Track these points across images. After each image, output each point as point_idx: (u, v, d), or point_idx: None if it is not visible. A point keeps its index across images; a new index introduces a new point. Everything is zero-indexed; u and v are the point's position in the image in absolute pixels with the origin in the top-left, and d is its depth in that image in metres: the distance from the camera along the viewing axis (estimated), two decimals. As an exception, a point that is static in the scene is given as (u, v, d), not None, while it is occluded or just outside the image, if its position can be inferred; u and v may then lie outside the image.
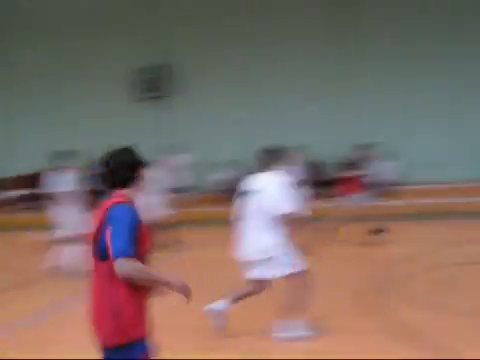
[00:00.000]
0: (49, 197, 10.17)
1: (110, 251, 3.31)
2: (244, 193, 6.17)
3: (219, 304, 6.22)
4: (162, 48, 20.67)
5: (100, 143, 8.21)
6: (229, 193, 8.31)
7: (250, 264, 6.07)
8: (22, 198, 19.45)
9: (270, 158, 6.26)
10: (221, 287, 7.33)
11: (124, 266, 3.26)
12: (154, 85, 20.48)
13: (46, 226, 10.30)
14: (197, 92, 20.24)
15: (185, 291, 3.52)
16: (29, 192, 18.66)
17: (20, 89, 21.96)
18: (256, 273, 6.08)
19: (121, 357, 3.41)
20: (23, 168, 19.92)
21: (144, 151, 3.85)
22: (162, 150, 13.87)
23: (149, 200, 9.94)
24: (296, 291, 6.06)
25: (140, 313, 3.46)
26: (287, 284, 6.11)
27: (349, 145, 13.07)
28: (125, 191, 3.56)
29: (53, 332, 7.01)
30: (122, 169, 3.55)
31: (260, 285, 6.18)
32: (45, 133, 21.34)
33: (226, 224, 7.05)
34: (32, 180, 17.06)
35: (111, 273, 3.34)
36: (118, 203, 3.46)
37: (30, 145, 21.32)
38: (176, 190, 13.18)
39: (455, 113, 18.41)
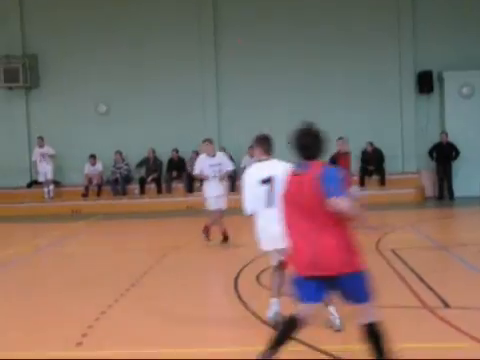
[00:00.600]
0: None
1: (333, 197, 4.26)
2: (266, 180, 6.06)
3: (271, 308, 6.18)
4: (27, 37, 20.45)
5: None
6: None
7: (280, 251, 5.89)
8: None
9: (270, 145, 6.33)
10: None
11: (345, 203, 4.25)
12: (17, 74, 19.97)
13: None
14: (62, 82, 20.24)
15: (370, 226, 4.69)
16: None
17: None
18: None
19: (355, 281, 4.36)
20: None
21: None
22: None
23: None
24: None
25: (356, 245, 4.44)
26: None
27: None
28: (319, 161, 4.54)
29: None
30: (322, 143, 4.56)
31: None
32: None
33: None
34: None
35: (335, 217, 4.31)
36: (327, 166, 4.53)
37: None
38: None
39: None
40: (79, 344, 5.95)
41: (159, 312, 7.12)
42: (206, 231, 11.57)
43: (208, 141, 11.69)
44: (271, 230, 5.87)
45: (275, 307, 6.22)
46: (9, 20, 20.24)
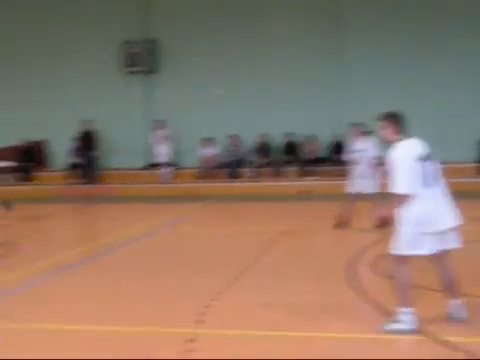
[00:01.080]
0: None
1: None
2: (423, 158, 5.62)
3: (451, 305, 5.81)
4: (148, 22, 20.79)
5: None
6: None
7: (446, 233, 5.60)
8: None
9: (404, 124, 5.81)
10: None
11: None
12: (139, 59, 20.54)
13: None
14: (181, 67, 20.45)
15: None
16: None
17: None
18: (452, 241, 5.67)
19: None
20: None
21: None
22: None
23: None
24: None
25: None
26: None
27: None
28: None
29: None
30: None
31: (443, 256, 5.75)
32: (33, 104, 21.58)
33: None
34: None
35: None
36: None
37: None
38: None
39: None
40: (199, 322, 6.07)
41: (273, 296, 7.09)
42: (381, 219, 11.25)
43: (357, 125, 11.80)
44: (434, 210, 5.55)
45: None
46: (130, 6, 20.93)
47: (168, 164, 19.99)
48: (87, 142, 20.06)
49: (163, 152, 19.97)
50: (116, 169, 20.55)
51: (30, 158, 20.85)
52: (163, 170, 19.94)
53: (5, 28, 21.53)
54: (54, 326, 6.06)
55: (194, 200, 17.47)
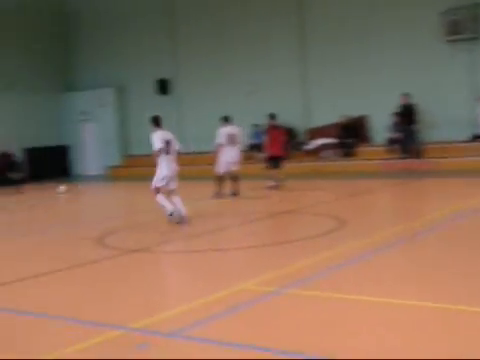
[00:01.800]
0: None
1: None
2: None
3: None
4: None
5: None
6: None
7: None
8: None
9: None
10: None
11: None
12: (462, 26, 19.07)
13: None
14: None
15: None
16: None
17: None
18: None
19: None
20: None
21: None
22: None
23: None
24: None
25: None
26: None
27: None
28: None
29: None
30: None
31: None
32: (353, 80, 21.44)
33: None
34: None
35: None
36: None
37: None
38: None
39: None
40: None
41: None
42: None
43: None
44: None
45: None
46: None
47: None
48: (406, 116, 19.76)
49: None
50: (437, 143, 19.90)
51: (352, 134, 21.30)
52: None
53: (338, 12, 22.12)
54: (384, 300, 6.02)
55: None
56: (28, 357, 5.10)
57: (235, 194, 15.39)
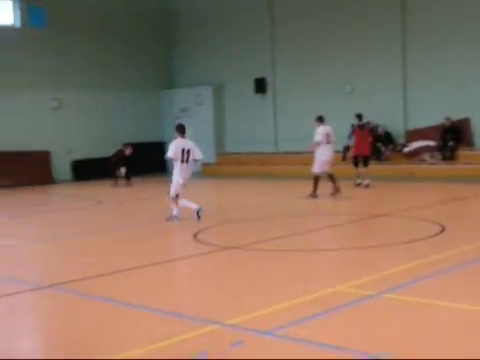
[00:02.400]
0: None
1: None
2: None
3: None
4: None
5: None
6: None
7: None
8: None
9: None
10: None
11: None
12: None
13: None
14: None
15: None
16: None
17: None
18: None
19: None
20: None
21: None
22: None
23: None
24: None
25: None
26: None
27: None
28: None
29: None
30: None
31: None
32: (455, 82, 20.56)
33: None
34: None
35: None
36: None
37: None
38: None
39: None
40: None
41: None
42: None
43: None
44: None
45: None
46: None
47: None
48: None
49: None
50: None
51: (454, 137, 20.60)
52: None
53: (440, 16, 21.51)
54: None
55: None
56: (120, 348, 5.27)
57: (336, 191, 15.28)
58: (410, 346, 4.97)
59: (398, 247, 9.11)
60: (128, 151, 22.21)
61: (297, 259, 8.70)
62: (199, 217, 11.98)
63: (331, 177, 15.43)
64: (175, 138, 12.28)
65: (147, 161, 26.15)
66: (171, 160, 12.28)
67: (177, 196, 12.23)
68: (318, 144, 15.44)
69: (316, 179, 15.38)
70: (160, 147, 26.01)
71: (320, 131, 15.50)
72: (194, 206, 12.10)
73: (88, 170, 25.24)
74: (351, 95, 23.08)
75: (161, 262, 8.85)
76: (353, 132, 18.13)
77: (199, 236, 10.64)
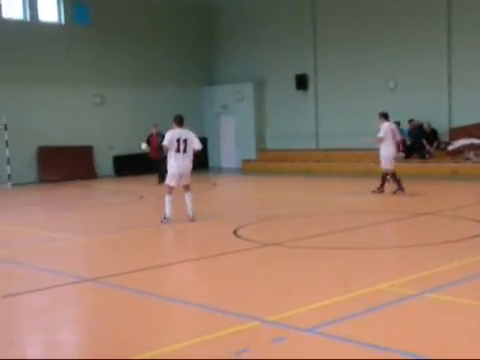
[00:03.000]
0: None
1: None
2: None
3: None
4: None
5: None
6: None
7: None
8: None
9: None
10: None
11: None
12: None
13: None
14: None
15: None
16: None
17: None
18: None
19: None
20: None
21: None
22: None
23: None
24: None
25: None
26: None
27: None
28: None
29: None
30: None
31: None
32: None
33: None
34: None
35: None
36: None
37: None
38: None
39: None
40: None
41: None
42: None
43: None
44: None
45: None
46: None
47: None
48: None
49: None
50: None
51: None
52: None
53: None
54: None
55: None
56: (162, 342, 5.32)
57: (399, 189, 15.16)
58: (450, 347, 4.92)
59: (441, 246, 8.98)
60: (154, 130, 21.97)
61: (338, 257, 8.65)
62: (162, 222, 11.91)
63: (392, 175, 15.29)
64: (171, 128, 12.22)
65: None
66: (166, 149, 11.97)
67: (170, 190, 12.02)
68: (381, 139, 15.31)
69: (392, 175, 15.22)
70: (201, 143, 26.04)
71: (386, 127, 15.37)
72: (167, 213, 11.95)
73: (128, 165, 25.53)
74: (394, 92, 22.80)
75: (202, 257, 8.91)
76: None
77: (239, 232, 10.67)
